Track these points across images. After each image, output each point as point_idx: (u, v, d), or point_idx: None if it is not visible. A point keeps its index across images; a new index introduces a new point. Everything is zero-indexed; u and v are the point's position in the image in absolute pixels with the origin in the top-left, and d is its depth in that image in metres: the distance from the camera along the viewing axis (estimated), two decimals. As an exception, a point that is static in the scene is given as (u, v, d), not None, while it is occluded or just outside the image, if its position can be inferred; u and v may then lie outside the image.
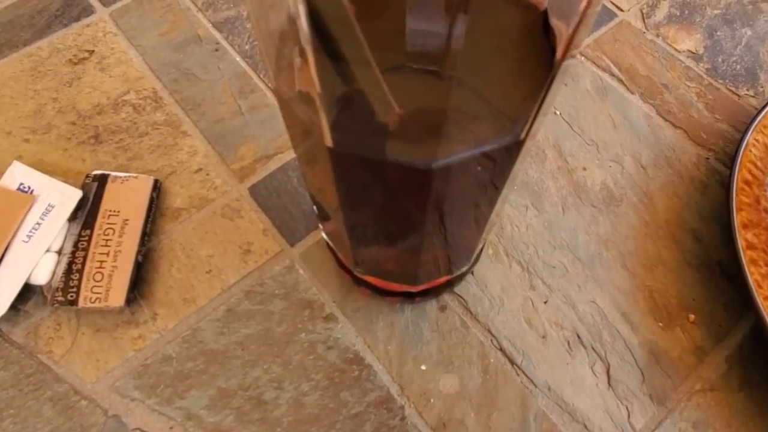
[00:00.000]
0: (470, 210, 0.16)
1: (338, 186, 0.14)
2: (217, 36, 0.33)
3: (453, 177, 0.13)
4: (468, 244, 0.20)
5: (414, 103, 0.12)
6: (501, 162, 0.13)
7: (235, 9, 0.34)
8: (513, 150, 0.13)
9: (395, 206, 0.15)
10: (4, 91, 0.30)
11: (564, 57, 0.11)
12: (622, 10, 0.34)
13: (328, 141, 0.12)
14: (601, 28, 0.34)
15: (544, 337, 0.24)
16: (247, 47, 0.32)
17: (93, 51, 0.32)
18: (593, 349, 0.24)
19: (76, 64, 0.31)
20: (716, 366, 0.24)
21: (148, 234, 0.26)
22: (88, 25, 0.33)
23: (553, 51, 0.11)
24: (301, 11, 0.09)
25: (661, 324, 0.25)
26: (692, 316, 0.25)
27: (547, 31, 0.12)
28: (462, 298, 0.25)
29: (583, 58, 0.32)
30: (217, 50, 0.32)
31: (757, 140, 0.26)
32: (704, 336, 0.24)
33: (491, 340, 0.24)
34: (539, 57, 0.12)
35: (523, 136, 0.12)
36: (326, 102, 0.11)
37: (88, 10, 0.33)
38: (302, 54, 0.10)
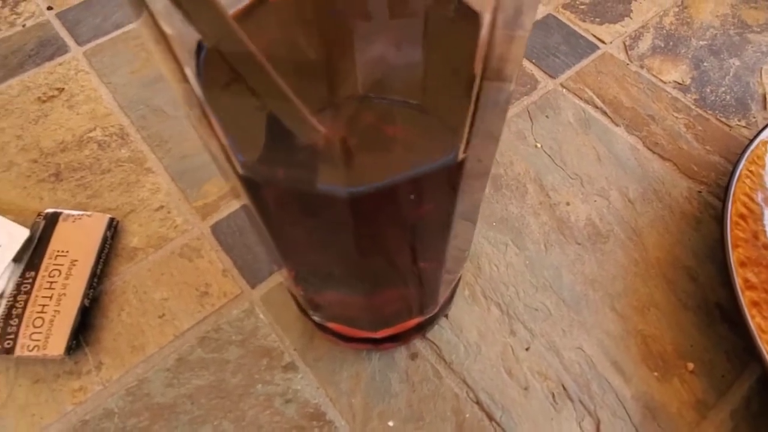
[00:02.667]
0: (418, 244, 0.14)
1: (264, 221, 0.13)
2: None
3: (385, 205, 0.11)
4: (429, 282, 0.18)
5: (343, 123, 0.11)
6: (440, 187, 0.12)
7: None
8: (453, 171, 0.11)
9: (326, 242, 0.13)
10: (-32, 130, 0.29)
11: (485, 71, 0.09)
12: (603, 42, 0.33)
13: (238, 167, 0.11)
14: (582, 60, 0.33)
15: (526, 388, 0.22)
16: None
17: (63, 89, 0.31)
18: (581, 402, 0.22)
19: (44, 101, 0.31)
20: (721, 423, 0.21)
21: (98, 276, 0.24)
22: (60, 64, 0.32)
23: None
24: (189, 73, 0.08)
25: (656, 374, 0.22)
26: (691, 365, 0.22)
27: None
28: (435, 344, 0.23)
29: (564, 89, 0.31)
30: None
31: (750, 171, 0.24)
32: (705, 388, 0.22)
33: (467, 393, 0.22)
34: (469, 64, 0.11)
35: (460, 155, 0.11)
36: (230, 126, 0.10)
37: (63, 49, 0.33)
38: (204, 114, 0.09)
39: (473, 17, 0.10)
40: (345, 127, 0.11)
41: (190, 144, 0.29)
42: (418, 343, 0.23)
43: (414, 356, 0.23)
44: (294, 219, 0.12)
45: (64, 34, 0.34)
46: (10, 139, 0.29)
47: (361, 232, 0.12)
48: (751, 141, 0.25)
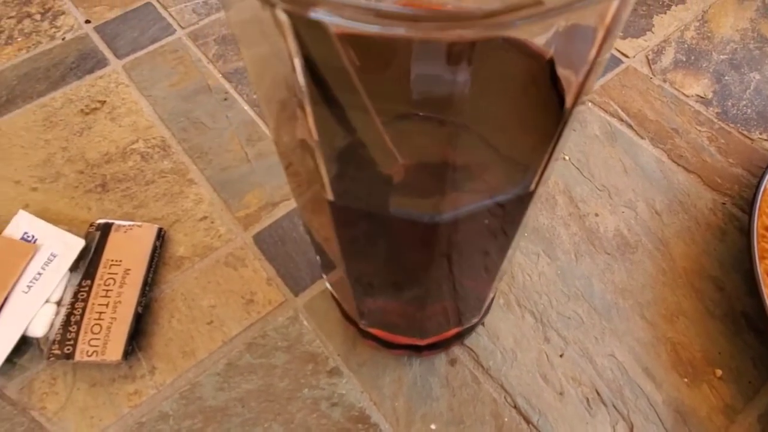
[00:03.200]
0: (479, 261, 0.15)
1: (340, 239, 0.14)
2: (227, 86, 0.33)
3: (461, 229, 0.12)
4: (478, 294, 0.19)
5: (419, 153, 0.12)
6: (511, 211, 0.13)
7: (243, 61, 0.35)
8: (524, 199, 0.12)
9: (400, 259, 0.14)
10: (15, 141, 0.31)
11: (574, 105, 0.10)
12: (627, 56, 0.34)
13: (329, 194, 0.12)
14: (607, 74, 0.34)
15: (561, 393, 0.23)
16: (255, 96, 0.33)
17: (104, 101, 0.32)
18: (614, 407, 0.23)
19: (87, 114, 0.32)
20: (749, 426, 0.22)
21: (149, 284, 0.25)
22: (101, 77, 0.33)
23: (562, 99, 0.11)
24: (298, 64, 0.09)
25: (686, 380, 0.23)
26: (719, 372, 0.23)
27: (555, 80, 0.11)
28: (473, 351, 0.24)
29: (590, 103, 0.32)
30: (226, 99, 0.33)
31: (775, 185, 0.25)
32: (734, 393, 0.23)
33: (505, 397, 0.23)
34: (547, 105, 0.12)
35: (533, 186, 0.12)
36: (326, 154, 0.11)
37: (102, 63, 0.34)
38: (300, 106, 0.10)
39: (538, 58, 0.11)
40: (420, 153, 0.12)
41: (230, 155, 0.30)
42: (456, 350, 0.24)
43: (453, 362, 0.24)
44: (372, 237, 0.13)
45: (102, 47, 0.35)
46: (56, 151, 0.30)
47: (437, 252, 0.13)
48: (775, 155, 0.26)
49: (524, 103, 0.11)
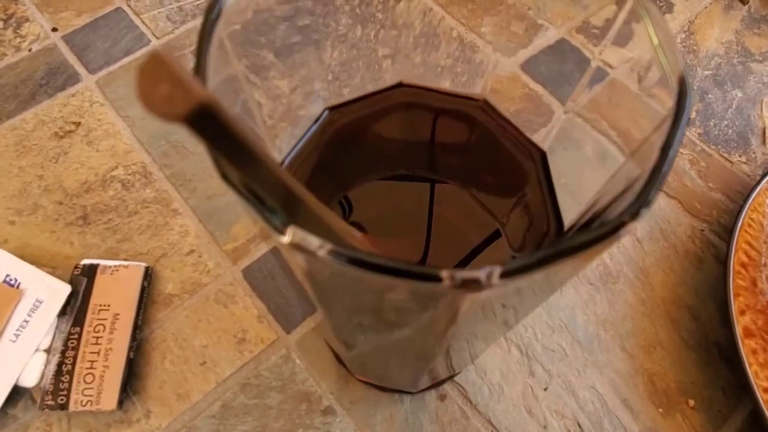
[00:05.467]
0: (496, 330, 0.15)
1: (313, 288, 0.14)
2: (207, 104, 0.32)
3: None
4: (475, 353, 0.19)
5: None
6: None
7: (225, 72, 0.34)
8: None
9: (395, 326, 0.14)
10: (-13, 169, 0.29)
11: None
12: (611, 66, 0.34)
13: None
14: (594, 86, 0.33)
15: (545, 427, 0.24)
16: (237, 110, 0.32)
17: (79, 123, 0.31)
18: (594, 438, 0.24)
19: (62, 137, 0.31)
20: (716, 453, 0.24)
21: (139, 326, 0.25)
22: (74, 95, 0.32)
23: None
24: None
25: (661, 410, 0.25)
26: (692, 402, 0.25)
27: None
28: (461, 386, 0.25)
29: (580, 119, 0.32)
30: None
31: (752, 219, 0.26)
32: (704, 422, 0.24)
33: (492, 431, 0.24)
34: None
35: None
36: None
37: (74, 78, 0.32)
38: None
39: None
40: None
41: (214, 182, 0.29)
42: (446, 386, 0.25)
43: (443, 398, 0.25)
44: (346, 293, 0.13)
45: (73, 60, 0.33)
46: (32, 179, 0.29)
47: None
48: (753, 188, 0.27)
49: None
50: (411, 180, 0.19)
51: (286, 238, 0.08)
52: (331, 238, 0.09)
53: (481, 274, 0.07)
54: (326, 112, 0.17)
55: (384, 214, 0.17)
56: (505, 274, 0.07)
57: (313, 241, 0.08)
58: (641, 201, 0.09)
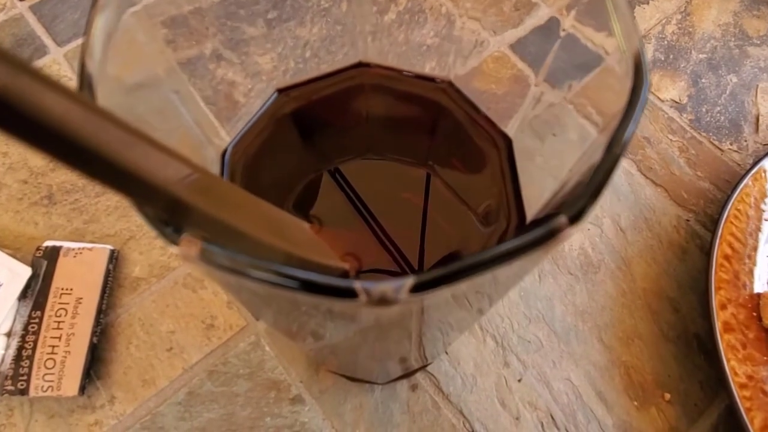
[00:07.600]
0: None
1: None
2: (178, 77, 0.31)
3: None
4: (446, 344, 0.19)
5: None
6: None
7: (197, 47, 0.32)
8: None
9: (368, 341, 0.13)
10: (-51, 145, 0.28)
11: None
12: (608, 53, 0.33)
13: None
14: (586, 72, 0.32)
15: (517, 418, 0.24)
16: (209, 92, 0.31)
17: (46, 98, 0.30)
18: (567, 431, 0.24)
19: (27, 112, 0.29)
20: (690, 448, 0.24)
21: (103, 311, 0.24)
22: (41, 68, 0.30)
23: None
24: None
25: (636, 403, 0.24)
26: (668, 395, 0.24)
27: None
28: (434, 376, 0.24)
29: (571, 105, 0.31)
30: (177, 93, 0.30)
31: (738, 210, 0.25)
32: (679, 416, 0.24)
33: (463, 423, 0.24)
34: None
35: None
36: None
37: (41, 51, 0.31)
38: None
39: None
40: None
41: (185, 163, 0.28)
42: (418, 375, 0.24)
43: (414, 387, 0.24)
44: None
45: (41, 31, 0.32)
46: (-4, 156, 0.28)
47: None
48: (741, 179, 0.26)
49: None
50: (377, 164, 0.18)
51: (177, 249, 0.07)
52: (247, 244, 0.09)
53: (388, 287, 0.06)
54: (275, 94, 0.16)
55: (341, 203, 0.17)
56: (416, 288, 0.06)
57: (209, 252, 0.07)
58: (581, 202, 0.08)
